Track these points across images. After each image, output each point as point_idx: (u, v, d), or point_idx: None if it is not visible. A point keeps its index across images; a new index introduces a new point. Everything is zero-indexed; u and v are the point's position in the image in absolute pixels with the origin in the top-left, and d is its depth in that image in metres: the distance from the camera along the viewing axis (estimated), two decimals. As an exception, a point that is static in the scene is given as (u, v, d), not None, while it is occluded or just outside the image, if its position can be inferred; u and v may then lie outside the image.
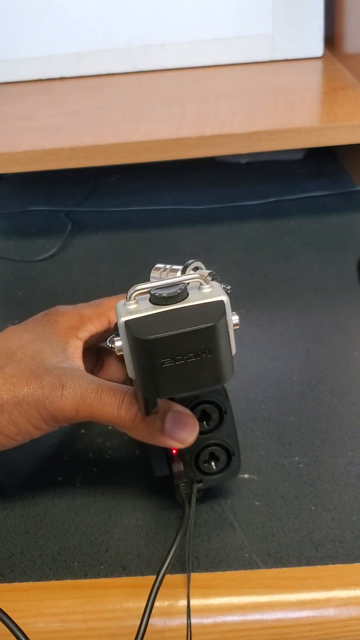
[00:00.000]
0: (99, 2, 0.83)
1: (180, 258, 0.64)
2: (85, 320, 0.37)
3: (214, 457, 0.36)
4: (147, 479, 0.40)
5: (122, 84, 0.84)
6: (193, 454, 0.35)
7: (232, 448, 0.36)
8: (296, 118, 0.63)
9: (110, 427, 0.44)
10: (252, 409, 0.45)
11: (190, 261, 0.31)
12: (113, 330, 0.38)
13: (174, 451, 0.35)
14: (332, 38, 0.87)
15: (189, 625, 0.31)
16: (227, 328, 0.27)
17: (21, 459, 0.43)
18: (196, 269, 0.31)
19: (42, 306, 0.39)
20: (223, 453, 0.36)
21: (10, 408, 0.33)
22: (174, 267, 0.32)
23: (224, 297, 0.27)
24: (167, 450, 0.36)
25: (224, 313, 0.27)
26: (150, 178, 0.86)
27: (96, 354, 0.41)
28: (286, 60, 0.86)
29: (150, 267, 0.33)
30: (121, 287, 0.61)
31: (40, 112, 0.74)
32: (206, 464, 0.36)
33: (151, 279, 0.32)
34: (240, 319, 0.28)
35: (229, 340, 0.27)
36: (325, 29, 0.84)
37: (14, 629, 0.28)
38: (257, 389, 0.47)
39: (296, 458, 0.41)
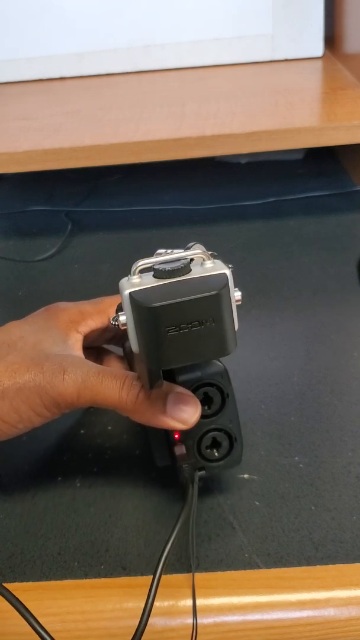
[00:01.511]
0: (99, 2, 0.83)
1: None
2: (86, 315, 0.38)
3: (216, 442, 0.36)
4: (147, 479, 0.40)
5: (122, 84, 0.84)
6: (195, 439, 0.35)
7: (235, 433, 0.36)
8: (296, 118, 0.63)
9: (110, 427, 0.44)
10: (252, 409, 0.45)
11: (192, 244, 0.31)
12: (116, 311, 0.38)
13: (176, 435, 0.35)
14: (332, 38, 0.87)
15: (194, 625, 0.31)
16: (230, 299, 0.27)
17: (21, 458, 0.43)
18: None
19: (42, 306, 0.39)
20: (225, 439, 0.36)
21: (11, 394, 0.33)
22: (175, 251, 0.33)
23: (227, 271, 0.28)
24: (169, 438, 0.36)
25: (227, 283, 0.27)
26: (150, 178, 0.86)
27: (96, 354, 0.41)
28: (286, 60, 0.86)
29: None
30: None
31: (40, 112, 0.74)
32: (208, 450, 0.36)
33: None
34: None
35: (232, 313, 0.28)
36: (325, 29, 0.84)
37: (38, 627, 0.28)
38: (257, 389, 0.47)
39: (296, 458, 0.41)
